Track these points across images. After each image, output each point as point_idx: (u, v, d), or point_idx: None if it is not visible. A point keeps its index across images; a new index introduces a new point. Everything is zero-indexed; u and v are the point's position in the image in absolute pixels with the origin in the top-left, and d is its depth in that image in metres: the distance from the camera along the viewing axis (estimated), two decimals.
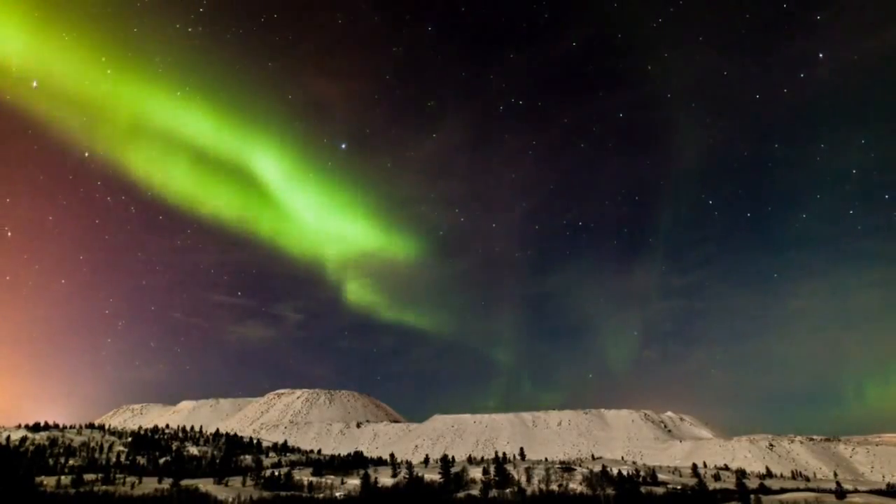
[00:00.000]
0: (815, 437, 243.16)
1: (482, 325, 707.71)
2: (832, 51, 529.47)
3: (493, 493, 70.17)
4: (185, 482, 73.84)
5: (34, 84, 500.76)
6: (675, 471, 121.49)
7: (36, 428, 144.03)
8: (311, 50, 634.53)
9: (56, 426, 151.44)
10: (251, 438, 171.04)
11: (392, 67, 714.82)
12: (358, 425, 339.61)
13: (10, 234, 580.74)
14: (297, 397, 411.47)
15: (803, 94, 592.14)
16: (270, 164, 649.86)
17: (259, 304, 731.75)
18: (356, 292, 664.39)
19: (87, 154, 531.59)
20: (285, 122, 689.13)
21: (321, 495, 70.78)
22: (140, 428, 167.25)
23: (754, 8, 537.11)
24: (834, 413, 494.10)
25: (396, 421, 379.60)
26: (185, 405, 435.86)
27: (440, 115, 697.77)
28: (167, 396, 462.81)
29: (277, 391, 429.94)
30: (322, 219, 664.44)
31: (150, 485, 74.58)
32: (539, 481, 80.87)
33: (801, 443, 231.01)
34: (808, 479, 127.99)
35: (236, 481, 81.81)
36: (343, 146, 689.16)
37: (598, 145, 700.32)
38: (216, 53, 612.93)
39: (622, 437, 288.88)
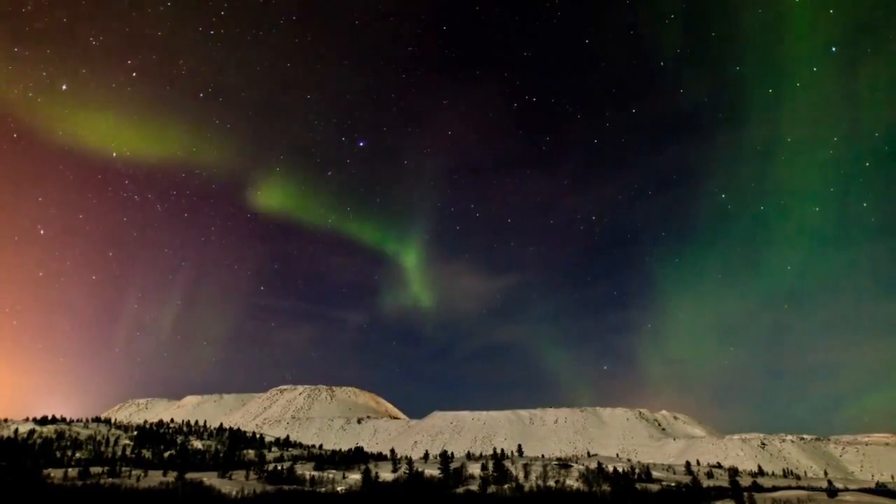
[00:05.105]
0: (805, 436, 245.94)
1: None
2: None
3: (492, 488, 71.74)
4: (189, 475, 75.09)
5: (63, 86, 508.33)
6: (669, 468, 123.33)
7: (43, 421, 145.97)
8: (328, 50, 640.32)
9: (63, 420, 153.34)
10: (254, 433, 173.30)
11: (407, 66, 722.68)
12: (359, 421, 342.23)
13: (42, 231, 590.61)
14: (299, 393, 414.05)
15: None
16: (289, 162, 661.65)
17: (280, 301, 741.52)
18: None
19: (114, 154, 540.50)
20: (305, 120, 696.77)
21: (323, 489, 72.20)
22: (145, 422, 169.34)
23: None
24: (826, 413, 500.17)
25: (396, 417, 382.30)
26: (190, 400, 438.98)
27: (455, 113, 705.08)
28: (172, 391, 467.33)
29: (279, 387, 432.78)
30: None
31: (155, 478, 75.38)
32: (536, 478, 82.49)
33: (793, 442, 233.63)
34: (798, 478, 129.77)
35: (240, 475, 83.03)
36: (361, 143, 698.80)
37: (612, 142, 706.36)
38: (237, 55, 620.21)
39: (617, 435, 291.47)
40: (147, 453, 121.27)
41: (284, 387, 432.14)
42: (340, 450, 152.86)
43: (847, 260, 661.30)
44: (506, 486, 73.57)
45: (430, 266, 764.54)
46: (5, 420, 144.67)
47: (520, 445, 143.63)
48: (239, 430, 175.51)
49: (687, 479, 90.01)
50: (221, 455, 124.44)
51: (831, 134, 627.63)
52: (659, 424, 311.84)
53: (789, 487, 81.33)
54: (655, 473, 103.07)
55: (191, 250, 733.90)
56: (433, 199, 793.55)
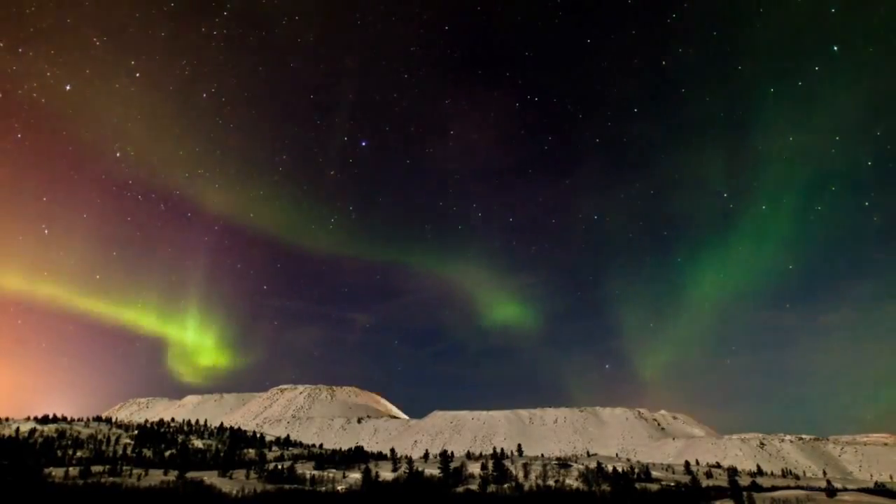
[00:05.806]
0: (804, 436, 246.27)
1: None
2: None
3: (492, 488, 72.03)
4: (190, 474, 75.35)
5: (67, 87, 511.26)
6: (669, 468, 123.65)
7: (44, 420, 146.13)
8: (330, 50, 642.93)
9: (64, 419, 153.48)
10: (254, 432, 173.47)
11: (409, 66, 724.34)
12: (359, 421, 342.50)
13: (46, 231, 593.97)
14: (300, 392, 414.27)
15: None
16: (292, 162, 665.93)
17: (282, 300, 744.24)
18: None
19: (118, 154, 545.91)
20: (307, 120, 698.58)
21: (323, 489, 72.44)
22: (146, 421, 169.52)
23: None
24: (825, 414, 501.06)
25: (396, 417, 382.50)
26: (190, 399, 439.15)
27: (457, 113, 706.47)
28: (173, 391, 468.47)
29: (280, 386, 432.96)
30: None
31: (155, 477, 75.40)
32: (536, 477, 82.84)
33: (792, 442, 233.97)
34: (797, 478, 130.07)
35: (240, 474, 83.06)
36: (363, 143, 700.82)
37: (614, 142, 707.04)
38: (239, 55, 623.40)
39: (616, 435, 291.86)
40: (148, 452, 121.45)
41: (285, 386, 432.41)
42: (341, 449, 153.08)
43: (848, 260, 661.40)
44: (505, 486, 73.87)
45: (432, 266, 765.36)
46: (6, 419, 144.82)
47: (519, 445, 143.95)
48: (239, 429, 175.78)
49: (686, 479, 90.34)
50: (222, 454, 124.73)
51: (833, 133, 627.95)
52: (658, 424, 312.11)
53: (788, 487, 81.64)
54: (655, 473, 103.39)
55: (194, 250, 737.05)
56: (435, 199, 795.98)
